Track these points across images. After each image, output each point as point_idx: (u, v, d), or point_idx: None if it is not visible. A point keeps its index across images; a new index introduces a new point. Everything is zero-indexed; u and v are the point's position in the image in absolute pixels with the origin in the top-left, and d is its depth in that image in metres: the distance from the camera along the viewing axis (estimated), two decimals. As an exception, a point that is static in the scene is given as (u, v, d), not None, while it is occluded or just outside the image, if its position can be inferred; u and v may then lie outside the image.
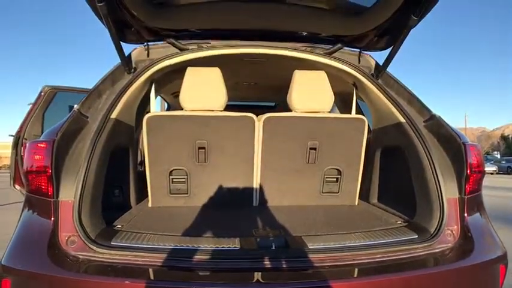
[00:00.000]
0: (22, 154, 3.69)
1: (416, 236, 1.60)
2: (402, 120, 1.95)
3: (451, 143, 1.77)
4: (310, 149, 2.20)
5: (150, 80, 2.17)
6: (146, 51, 2.16)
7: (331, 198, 2.33)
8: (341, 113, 3.30)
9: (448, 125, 1.85)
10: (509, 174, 28.29)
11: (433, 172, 1.70)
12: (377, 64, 2.25)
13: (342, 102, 3.15)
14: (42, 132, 3.70)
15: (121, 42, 1.96)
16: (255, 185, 2.26)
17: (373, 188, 2.38)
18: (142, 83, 2.04)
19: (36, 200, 1.53)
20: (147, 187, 2.20)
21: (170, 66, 2.10)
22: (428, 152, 1.75)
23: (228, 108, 2.20)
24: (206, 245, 1.47)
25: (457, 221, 1.64)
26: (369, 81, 2.14)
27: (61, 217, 1.45)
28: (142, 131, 2.10)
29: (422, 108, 1.98)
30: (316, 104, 2.19)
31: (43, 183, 1.49)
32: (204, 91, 2.11)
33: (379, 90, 2.09)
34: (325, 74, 2.22)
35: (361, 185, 2.35)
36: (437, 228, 1.60)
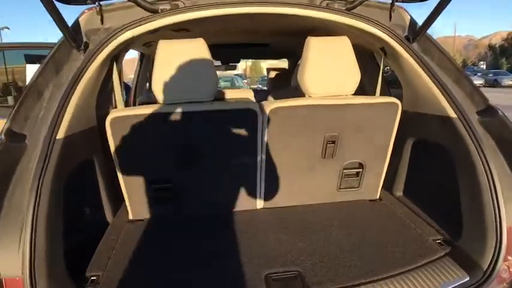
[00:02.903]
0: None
1: (468, 279, 1.28)
2: (448, 109, 1.49)
3: None
4: (328, 142, 1.75)
5: (110, 59, 1.59)
6: (99, 16, 1.52)
7: (349, 194, 1.95)
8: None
9: None
10: (494, 87, 28.22)
11: (490, 188, 1.32)
12: (413, 21, 1.68)
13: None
14: None
15: (61, 4, 1.34)
16: (258, 190, 1.84)
17: (398, 182, 1.99)
18: (100, 65, 1.47)
19: None
20: (123, 197, 1.77)
21: (135, 38, 1.51)
22: (486, 160, 1.34)
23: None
24: None
25: None
26: (403, 46, 1.60)
27: None
28: (107, 134, 1.59)
29: (474, 92, 1.51)
30: (336, 85, 1.66)
31: None
32: (185, 75, 1.56)
33: (416, 62, 1.58)
34: (349, 41, 1.66)
35: (385, 178, 1.97)
36: (493, 264, 1.28)
